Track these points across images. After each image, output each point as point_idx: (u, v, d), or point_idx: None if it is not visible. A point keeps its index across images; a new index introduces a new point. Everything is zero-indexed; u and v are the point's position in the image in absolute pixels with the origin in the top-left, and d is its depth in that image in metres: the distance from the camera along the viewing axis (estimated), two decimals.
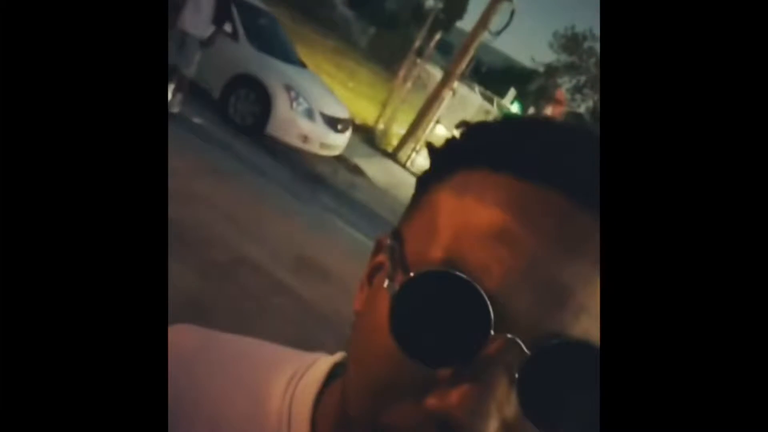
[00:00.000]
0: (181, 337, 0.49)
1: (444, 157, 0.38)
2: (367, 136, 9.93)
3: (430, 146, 0.40)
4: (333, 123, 6.67)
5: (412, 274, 0.33)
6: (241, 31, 6.73)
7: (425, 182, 0.38)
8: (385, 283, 0.35)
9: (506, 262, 0.32)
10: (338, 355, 0.47)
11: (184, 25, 5.19)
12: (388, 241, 0.37)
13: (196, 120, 6.09)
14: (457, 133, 0.38)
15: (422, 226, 0.36)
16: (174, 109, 5.38)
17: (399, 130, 10.68)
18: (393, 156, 10.05)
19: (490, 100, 12.27)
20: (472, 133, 0.38)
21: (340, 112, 6.96)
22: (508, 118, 0.39)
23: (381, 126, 10.56)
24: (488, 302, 0.31)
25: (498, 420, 0.31)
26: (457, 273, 0.31)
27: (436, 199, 0.36)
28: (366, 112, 10.51)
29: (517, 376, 0.31)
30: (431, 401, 0.32)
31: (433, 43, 10.71)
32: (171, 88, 5.25)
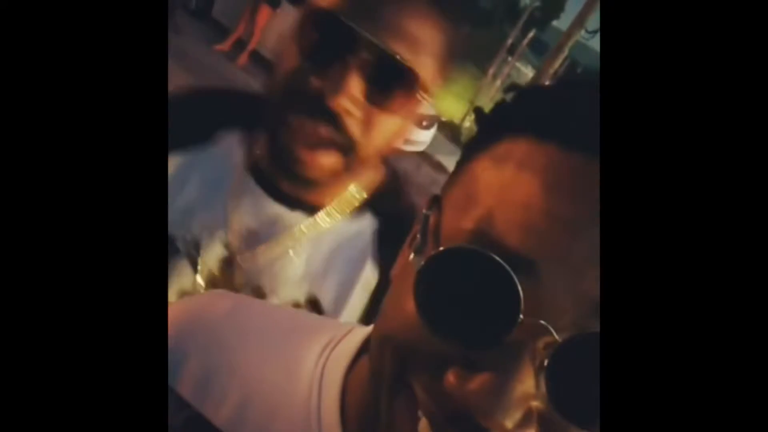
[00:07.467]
0: (214, 302, 0.49)
1: (490, 122, 0.36)
2: (452, 133, 9.86)
3: (477, 110, 0.38)
4: (418, 119, 6.71)
5: (441, 249, 0.31)
6: None
7: (470, 149, 0.36)
8: (411, 256, 0.33)
9: (542, 239, 0.29)
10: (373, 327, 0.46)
11: None
12: (424, 210, 0.35)
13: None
14: (508, 97, 0.35)
15: (460, 197, 0.34)
16: None
17: None
18: None
19: None
20: (521, 98, 0.35)
21: (426, 109, 6.96)
22: (564, 84, 0.36)
23: (467, 124, 10.45)
24: (519, 285, 0.28)
25: (522, 411, 0.29)
26: (487, 252, 0.29)
27: (476, 167, 0.34)
28: (452, 109, 10.42)
29: (546, 363, 0.29)
30: (450, 378, 0.30)
31: (526, 42, 10.47)
32: None
